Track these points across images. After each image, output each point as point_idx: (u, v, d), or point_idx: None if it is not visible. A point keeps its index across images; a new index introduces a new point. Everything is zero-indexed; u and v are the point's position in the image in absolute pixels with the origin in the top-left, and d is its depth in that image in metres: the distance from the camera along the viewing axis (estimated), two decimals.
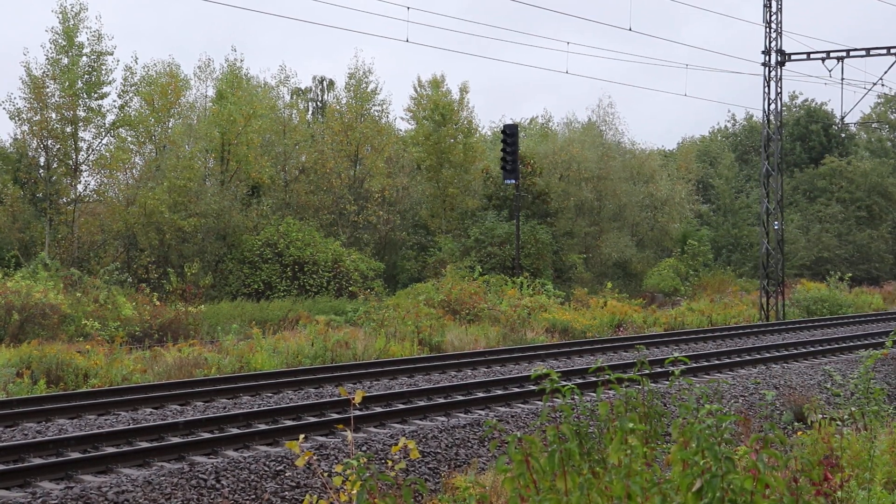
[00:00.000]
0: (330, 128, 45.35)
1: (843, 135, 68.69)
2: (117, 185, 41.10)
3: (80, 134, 37.35)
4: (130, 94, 38.78)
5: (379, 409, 14.54)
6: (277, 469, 11.27)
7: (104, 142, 38.48)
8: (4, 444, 11.93)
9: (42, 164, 38.68)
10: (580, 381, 17.12)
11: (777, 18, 34.93)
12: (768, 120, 35.59)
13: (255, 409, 14.39)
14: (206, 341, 24.53)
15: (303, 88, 58.90)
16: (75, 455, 11.55)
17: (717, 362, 20.82)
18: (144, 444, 12.12)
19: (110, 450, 11.72)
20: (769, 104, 35.43)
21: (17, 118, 37.09)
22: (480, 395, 16.25)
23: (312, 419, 14.02)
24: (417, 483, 5.00)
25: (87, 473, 10.89)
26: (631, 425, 4.92)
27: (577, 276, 45.54)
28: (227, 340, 22.48)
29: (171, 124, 42.79)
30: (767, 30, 34.96)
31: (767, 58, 35.07)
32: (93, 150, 38.09)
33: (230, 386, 16.92)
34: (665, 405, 13.60)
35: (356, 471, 5.11)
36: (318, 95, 60.64)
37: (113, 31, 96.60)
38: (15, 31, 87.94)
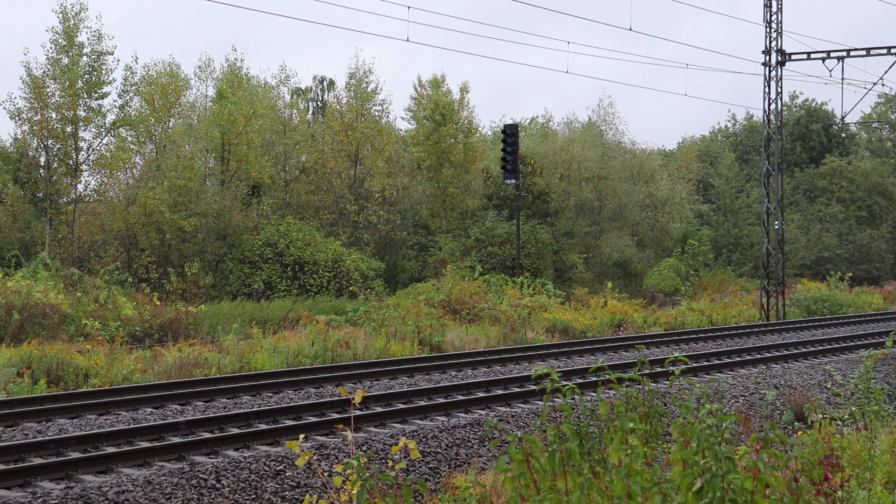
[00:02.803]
0: (330, 127, 45.34)
1: (844, 134, 68.68)
2: (117, 184, 41.12)
3: (81, 134, 37.39)
4: (131, 94, 38.81)
5: (379, 409, 14.54)
6: (278, 469, 11.28)
7: (104, 141, 38.54)
8: (5, 443, 11.93)
9: (42, 163, 38.70)
10: (580, 380, 17.12)
11: (777, 18, 34.94)
12: (768, 120, 35.58)
13: (256, 409, 14.39)
14: (206, 341, 24.54)
15: (303, 88, 58.93)
16: (76, 455, 11.56)
17: (717, 362, 20.81)
18: (145, 444, 12.11)
19: (111, 449, 11.72)
20: (769, 104, 35.43)
21: (17, 118, 37.12)
22: (481, 394, 16.25)
23: (313, 419, 14.02)
24: (418, 483, 5.00)
25: (87, 473, 10.89)
26: (631, 425, 4.92)
27: (578, 275, 45.53)
28: (228, 340, 22.49)
29: (171, 124, 42.80)
30: (768, 29, 34.96)
31: (768, 58, 35.07)
32: (93, 150, 38.13)
33: (230, 386, 16.92)
34: (665, 405, 13.60)
35: (356, 470, 5.11)
36: (318, 95, 60.65)
37: (113, 31, 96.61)
38: (15, 30, 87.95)
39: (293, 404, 14.81)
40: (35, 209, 39.20)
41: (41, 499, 9.86)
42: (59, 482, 10.52)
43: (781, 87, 35.18)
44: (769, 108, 35.45)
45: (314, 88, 60.60)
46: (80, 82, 36.54)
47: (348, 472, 5.19)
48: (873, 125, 74.18)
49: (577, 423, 5.05)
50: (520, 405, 15.53)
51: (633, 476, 4.56)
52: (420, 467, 12.06)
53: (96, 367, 18.69)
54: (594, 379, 17.10)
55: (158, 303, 28.35)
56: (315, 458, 11.49)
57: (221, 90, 42.27)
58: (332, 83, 59.12)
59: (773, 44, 35.04)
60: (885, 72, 35.03)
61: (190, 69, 50.08)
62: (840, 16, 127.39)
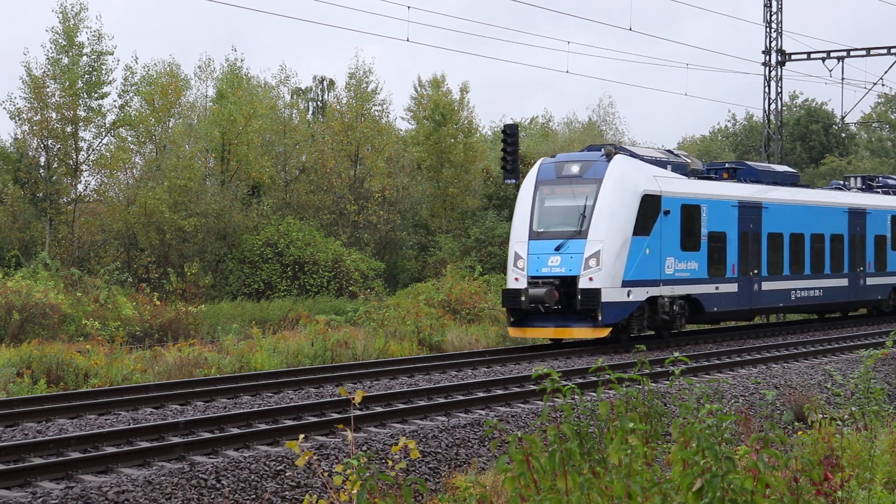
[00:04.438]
0: (330, 127, 45.34)
1: (844, 134, 68.70)
2: (117, 184, 41.13)
3: (81, 134, 37.40)
4: (131, 94, 38.82)
5: (379, 409, 14.54)
6: (278, 469, 11.28)
7: (104, 141, 38.55)
8: (5, 443, 11.93)
9: (42, 163, 38.70)
10: (580, 380, 17.11)
11: (777, 18, 34.96)
12: (769, 119, 35.60)
13: (256, 409, 14.39)
14: (206, 341, 24.53)
15: (303, 88, 58.94)
16: (75, 455, 11.55)
17: (717, 362, 20.81)
18: (145, 444, 12.11)
19: (110, 449, 11.72)
20: (769, 104, 35.44)
21: (17, 118, 37.13)
22: (481, 394, 16.25)
23: (313, 419, 14.02)
24: (418, 483, 5.00)
25: (87, 473, 10.88)
26: (631, 425, 4.93)
27: None
28: (228, 340, 22.48)
29: (171, 124, 42.80)
30: (768, 29, 34.97)
31: (768, 57, 35.09)
32: (93, 150, 38.14)
33: (230, 386, 16.91)
34: (665, 405, 13.61)
35: (356, 470, 5.11)
36: (318, 95, 60.66)
37: (113, 31, 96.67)
38: (15, 30, 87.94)
39: (293, 404, 14.81)
40: (35, 209, 39.19)
41: (41, 499, 9.86)
42: (59, 482, 10.51)
43: (781, 87, 35.21)
44: (769, 108, 35.47)
45: (314, 88, 60.64)
46: (80, 82, 36.53)
47: (348, 471, 5.19)
48: (873, 125, 74.18)
49: (578, 423, 5.05)
50: (520, 405, 15.53)
51: (633, 476, 4.57)
52: (420, 467, 12.06)
53: (96, 367, 18.68)
54: (594, 379, 17.09)
55: (158, 303, 28.34)
56: (315, 458, 11.49)
57: (221, 90, 42.25)
58: (332, 83, 59.11)
59: (773, 44, 35.05)
60: (885, 72, 35.08)
61: (190, 69, 50.07)
62: (840, 16, 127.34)
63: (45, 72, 36.51)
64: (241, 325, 27.18)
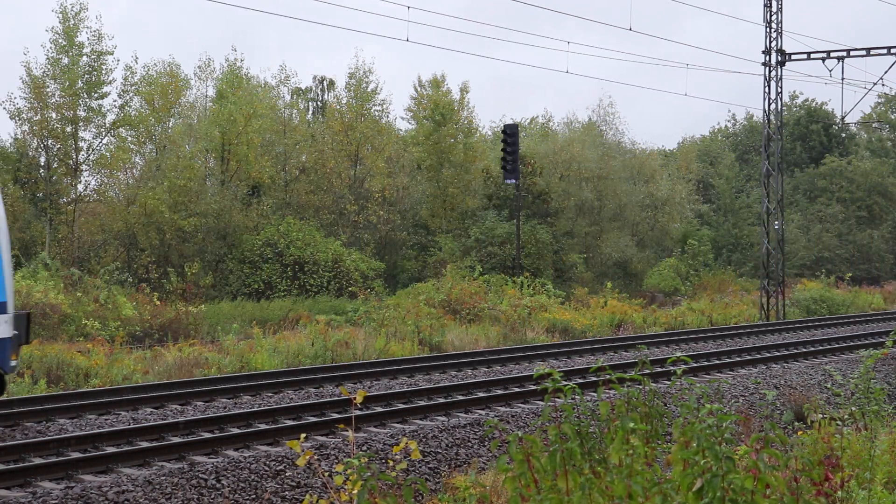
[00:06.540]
0: (330, 127, 45.31)
1: (844, 134, 68.70)
2: (117, 184, 41.11)
3: (81, 134, 37.36)
4: (131, 94, 38.78)
5: (379, 409, 14.55)
6: (278, 469, 11.28)
7: (104, 141, 38.50)
8: (5, 443, 11.93)
9: (42, 163, 38.68)
10: (581, 380, 17.12)
11: (777, 18, 34.95)
12: (769, 120, 35.60)
13: (256, 409, 14.39)
14: (206, 341, 24.53)
15: (303, 88, 58.87)
16: (76, 455, 11.56)
17: (717, 362, 20.81)
18: (145, 444, 12.12)
19: (111, 449, 11.72)
20: (769, 104, 35.44)
21: (17, 118, 37.10)
22: (481, 394, 16.26)
23: (313, 419, 14.03)
24: (418, 483, 5.00)
25: (87, 473, 10.89)
26: (632, 425, 4.93)
27: (578, 275, 45.50)
28: (228, 340, 22.49)
29: (171, 124, 42.77)
30: (768, 29, 34.97)
31: (768, 58, 35.08)
32: (93, 150, 38.11)
33: (230, 386, 16.92)
34: (666, 405, 13.58)
35: (357, 470, 5.10)
36: (318, 95, 60.57)
37: (115, 31, 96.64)
38: (15, 30, 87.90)
39: (293, 404, 14.81)
40: (35, 209, 39.16)
41: (41, 499, 9.86)
42: (59, 482, 10.52)
43: (781, 87, 35.19)
44: (769, 108, 35.46)
45: (314, 88, 60.52)
46: (80, 82, 36.51)
47: (349, 471, 5.19)
48: (873, 125, 74.15)
49: (578, 422, 5.05)
50: (520, 405, 15.53)
51: (634, 476, 4.57)
52: (420, 467, 12.06)
53: (96, 367, 18.69)
54: (594, 379, 17.10)
55: (158, 303, 28.34)
56: (315, 457, 11.50)
57: (221, 90, 42.22)
58: (332, 83, 59.02)
59: (773, 44, 35.05)
60: (885, 72, 35.04)
61: (190, 69, 49.97)
62: (840, 16, 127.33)
63: (45, 72, 36.50)
64: (241, 325, 27.19)
